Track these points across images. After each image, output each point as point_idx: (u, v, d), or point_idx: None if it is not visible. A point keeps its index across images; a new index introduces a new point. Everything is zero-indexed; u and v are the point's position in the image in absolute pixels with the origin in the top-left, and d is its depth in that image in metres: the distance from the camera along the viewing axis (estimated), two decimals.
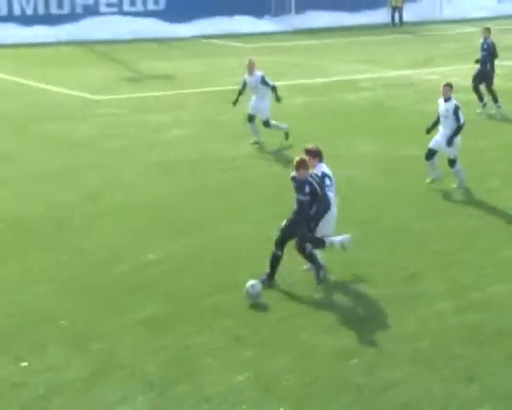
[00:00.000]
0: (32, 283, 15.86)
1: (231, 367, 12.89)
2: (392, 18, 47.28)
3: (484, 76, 29.08)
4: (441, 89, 20.80)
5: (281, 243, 15.84)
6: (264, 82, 25.11)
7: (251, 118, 25.11)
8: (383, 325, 14.56)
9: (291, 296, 15.52)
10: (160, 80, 33.51)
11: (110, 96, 30.68)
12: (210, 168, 22.56)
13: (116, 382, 12.70)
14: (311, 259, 15.85)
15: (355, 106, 28.96)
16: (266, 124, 25.24)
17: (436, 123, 21.02)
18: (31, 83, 32.04)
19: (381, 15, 47.65)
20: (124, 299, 15.39)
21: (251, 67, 25.23)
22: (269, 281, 15.70)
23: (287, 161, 22.56)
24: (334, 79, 31.42)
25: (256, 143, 25.03)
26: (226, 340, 13.75)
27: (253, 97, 25.35)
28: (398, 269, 16.73)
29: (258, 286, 15.08)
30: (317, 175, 15.87)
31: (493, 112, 28.71)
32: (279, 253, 15.78)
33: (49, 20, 43.15)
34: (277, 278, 15.87)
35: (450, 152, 20.55)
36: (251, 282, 15.03)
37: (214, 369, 12.86)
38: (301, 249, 15.75)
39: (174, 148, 24.62)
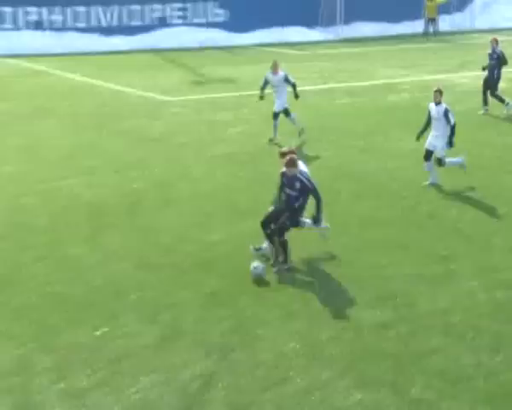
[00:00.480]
0: (107, 260, 15.95)
1: (282, 337, 12.94)
2: (427, 28, 46.89)
3: (490, 83, 28.63)
4: (433, 94, 20.43)
5: (267, 227, 15.83)
6: (287, 80, 25.15)
7: (276, 115, 25.06)
8: (418, 301, 14.51)
9: (337, 275, 15.44)
10: (223, 83, 33.60)
11: (178, 98, 30.78)
12: (266, 161, 22.48)
13: (181, 348, 12.77)
14: (284, 247, 15.62)
15: (395, 106, 28.83)
16: (287, 113, 25.34)
17: (425, 128, 20.65)
18: (110, 85, 32.19)
19: (419, 26, 47.29)
20: (189, 275, 15.46)
21: (275, 67, 25.19)
22: (286, 264, 15.64)
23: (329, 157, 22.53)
24: (377, 82, 31.26)
25: (271, 140, 24.86)
26: (279, 313, 13.78)
27: (275, 95, 25.46)
28: (432, 251, 16.62)
29: (260, 267, 15.08)
30: (304, 172, 15.84)
31: (505, 112, 28.17)
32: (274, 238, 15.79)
33: (125, 31, 43.31)
34: (326, 258, 15.87)
35: (441, 152, 20.19)
36: (254, 264, 15.08)
37: (267, 338, 12.93)
38: (279, 235, 15.60)
39: (234, 142, 24.65)
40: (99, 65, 36.67)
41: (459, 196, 20.02)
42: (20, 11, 41.75)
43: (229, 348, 12.41)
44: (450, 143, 20.23)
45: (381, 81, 32.49)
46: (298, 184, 15.59)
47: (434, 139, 20.38)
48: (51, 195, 19.09)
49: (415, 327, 13.53)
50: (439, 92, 20.23)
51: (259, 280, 14.88)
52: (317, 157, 22.99)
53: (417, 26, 47.27)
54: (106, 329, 13.36)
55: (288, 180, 15.69)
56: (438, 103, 20.10)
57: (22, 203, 19.14)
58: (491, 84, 28.51)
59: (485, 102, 28.62)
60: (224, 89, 32.66)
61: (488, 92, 28.56)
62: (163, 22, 44.47)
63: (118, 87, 30.67)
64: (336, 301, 14.48)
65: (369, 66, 33.19)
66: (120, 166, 21.98)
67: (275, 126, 25.09)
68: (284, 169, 15.74)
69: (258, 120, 27.00)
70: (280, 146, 20.30)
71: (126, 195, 19.42)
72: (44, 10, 42.23)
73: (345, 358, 12.46)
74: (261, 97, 25.83)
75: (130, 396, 11.45)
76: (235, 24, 44.44)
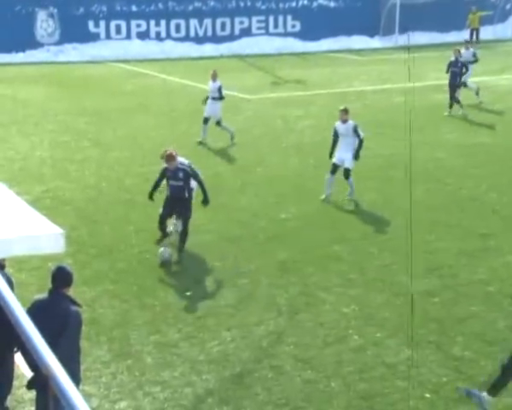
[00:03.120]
0: (194, 233, 15.92)
1: (342, 301, 12.87)
2: (471, 37, 46.17)
3: (454, 87, 27.50)
4: (339, 113, 18.54)
5: (163, 224, 15.11)
6: (220, 91, 23.35)
7: (205, 120, 23.58)
8: (460, 273, 14.35)
9: (390, 249, 15.27)
10: (295, 84, 33.48)
11: (257, 96, 30.74)
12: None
13: (254, 309, 12.77)
14: (185, 238, 15.01)
15: (442, 104, 28.34)
16: (218, 123, 23.70)
17: (334, 146, 18.47)
18: (200, 86, 32.27)
19: (465, 35, 46.57)
20: (263, 246, 15.44)
21: (214, 76, 23.68)
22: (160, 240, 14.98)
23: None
24: (427, 83, 30.81)
25: (201, 142, 23.34)
26: (339, 280, 13.69)
27: (209, 102, 23.71)
28: (473, 229, 16.36)
29: (167, 252, 14.31)
30: (184, 162, 15.13)
31: (459, 113, 27.04)
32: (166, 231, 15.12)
33: (215, 39, 43.46)
34: (380, 234, 15.73)
35: (351, 165, 18.27)
36: (160, 249, 14.30)
37: (328, 302, 12.88)
38: (185, 230, 15.00)
39: (304, 134, 24.56)
40: (192, 68, 36.79)
41: (497, 182, 19.64)
42: (132, 24, 42.34)
43: (295, 310, 12.39)
44: (357, 156, 18.33)
45: (431, 83, 32.03)
46: (181, 174, 14.88)
47: (343, 154, 18.17)
48: (148, 176, 19.18)
49: (456, 295, 13.38)
50: (344, 111, 18.37)
51: (166, 265, 14.18)
52: (373, 148, 22.72)
53: (463, 35, 46.53)
54: (193, 291, 13.44)
55: (171, 173, 14.89)
56: (344, 121, 18.16)
57: (126, 183, 19.29)
58: (454, 88, 27.54)
59: (458, 102, 27.48)
60: (296, 89, 32.55)
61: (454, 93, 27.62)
62: (248, 32, 44.58)
63: (206, 87, 30.83)
64: (389, 271, 14.33)
65: (420, 69, 32.67)
66: (205, 154, 22.05)
67: (204, 129, 23.52)
68: (165, 165, 14.99)
69: (325, 115, 26.78)
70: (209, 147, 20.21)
71: (210, 177, 19.38)
72: (151, 23, 42.71)
73: (395, 320, 12.35)
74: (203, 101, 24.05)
75: (213, 348, 11.50)
76: (307, 33, 44.39)
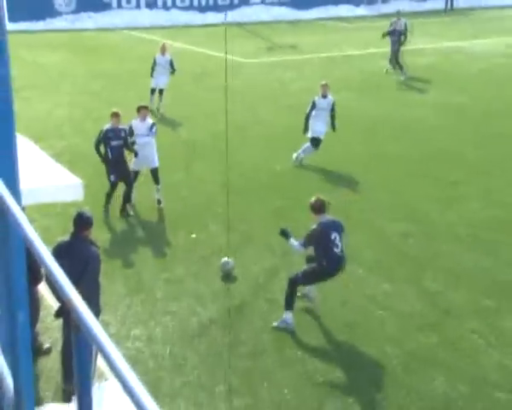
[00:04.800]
0: (199, 184, 16.12)
1: None
2: (446, 5, 45.74)
3: (395, 54, 27.38)
4: (320, 87, 17.63)
5: (114, 187, 14.60)
6: (171, 64, 21.92)
7: (153, 90, 22.38)
8: (433, 216, 14.53)
9: (370, 198, 15.47)
10: (289, 49, 33.32)
11: (254, 60, 30.69)
12: None
13: (252, 250, 13.00)
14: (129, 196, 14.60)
15: (422, 68, 28.35)
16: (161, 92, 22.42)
17: (308, 119, 17.57)
18: (203, 50, 32.26)
19: (441, 3, 46.20)
20: (260, 195, 15.62)
21: (163, 50, 22.36)
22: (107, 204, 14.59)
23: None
24: (409, 47, 30.75)
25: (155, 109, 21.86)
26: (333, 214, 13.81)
27: (158, 73, 22.23)
28: (444, 178, 16.54)
29: (229, 264, 12.05)
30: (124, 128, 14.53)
31: (401, 78, 26.88)
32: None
33: (216, 8, 43.16)
34: (361, 185, 15.87)
35: (323, 136, 17.60)
36: (224, 259, 12.05)
37: None
38: (131, 184, 14.56)
39: (298, 95, 24.52)
40: (196, 35, 36.68)
41: (469, 137, 19.80)
42: None
43: (288, 251, 12.30)
44: (334, 127, 17.54)
45: (412, 47, 31.96)
46: (123, 133, 14.33)
47: (321, 127, 17.42)
48: (161, 134, 19.37)
49: (429, 236, 13.59)
50: (326, 86, 17.67)
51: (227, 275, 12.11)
52: (359, 107, 22.84)
53: (439, 3, 46.21)
54: (198, 234, 13.66)
55: (113, 132, 14.22)
56: (325, 96, 17.43)
57: None
58: (395, 55, 27.30)
59: (401, 68, 27.20)
60: (289, 53, 32.44)
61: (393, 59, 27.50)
62: (246, 2, 44.29)
63: (209, 52, 30.67)
64: (369, 215, 14.54)
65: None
66: (209, 113, 22.09)
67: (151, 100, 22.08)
68: (107, 126, 14.32)
69: (316, 78, 26.74)
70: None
71: (213, 134, 19.55)
72: None
73: (376, 258, 12.60)
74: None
75: (216, 284, 11.75)
76: (299, 3, 44.15)
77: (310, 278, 10.62)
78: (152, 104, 21.61)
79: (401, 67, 27.04)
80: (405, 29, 28.29)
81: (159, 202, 14.92)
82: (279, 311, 10.75)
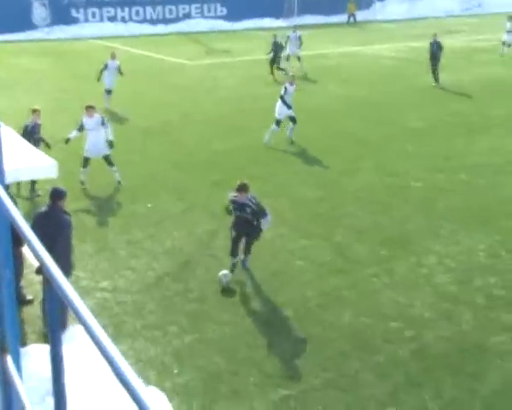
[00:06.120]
0: (152, 162, 15.76)
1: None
2: (348, 19, 45.59)
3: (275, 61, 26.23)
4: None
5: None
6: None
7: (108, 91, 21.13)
8: (341, 184, 14.48)
9: (289, 170, 15.36)
10: (223, 53, 32.73)
11: (196, 62, 30.10)
12: (249, 100, 22.23)
13: (197, 214, 12.77)
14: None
15: (328, 68, 28.30)
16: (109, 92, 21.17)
17: (284, 102, 17.10)
18: (154, 55, 31.59)
19: (344, 17, 46.06)
20: (202, 170, 15.36)
21: (113, 56, 21.15)
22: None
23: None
24: (314, 52, 30.67)
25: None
26: (256, 193, 13.53)
27: (108, 76, 20.96)
28: (346, 154, 16.47)
29: (227, 277, 10.05)
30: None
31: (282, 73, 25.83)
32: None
33: (164, 21, 42.29)
34: (281, 156, 15.74)
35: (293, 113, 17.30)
36: (223, 272, 10.09)
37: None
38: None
39: (230, 89, 24.27)
40: (148, 43, 35.84)
41: (361, 121, 19.84)
42: (104, 10, 41.06)
43: (225, 216, 12.26)
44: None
45: (318, 51, 31.90)
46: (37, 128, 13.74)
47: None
48: (119, 123, 18.91)
49: (338, 200, 13.54)
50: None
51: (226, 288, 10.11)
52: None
53: (343, 18, 46.13)
54: (152, 203, 13.36)
55: (33, 127, 13.60)
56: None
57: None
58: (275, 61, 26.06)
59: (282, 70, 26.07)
60: (224, 56, 31.96)
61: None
62: (188, 15, 43.46)
63: (158, 56, 30.15)
64: (288, 183, 14.42)
65: (312, 42, 32.47)
66: (160, 103, 21.70)
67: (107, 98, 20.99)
68: (28, 122, 13.68)
69: (246, 76, 26.57)
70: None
71: (163, 121, 19.20)
72: (118, 9, 41.43)
73: (295, 219, 12.50)
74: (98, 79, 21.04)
75: (168, 243, 11.51)
76: (232, 16, 43.58)
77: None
78: (107, 103, 20.81)
79: (282, 70, 26.10)
80: (286, 41, 27.49)
81: (119, 182, 14.31)
82: (220, 264, 10.61)
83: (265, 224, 10.34)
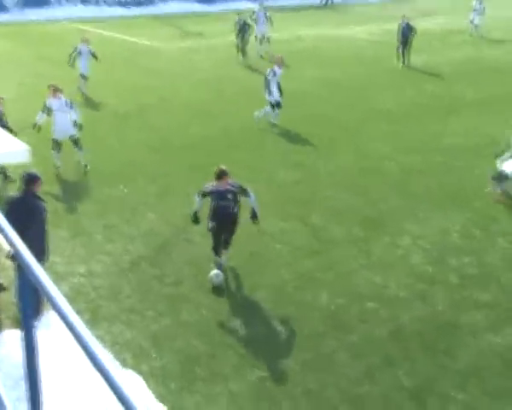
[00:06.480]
0: (128, 147, 15.69)
1: None
2: (326, 1, 45.33)
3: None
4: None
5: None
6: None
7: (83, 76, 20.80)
8: (318, 167, 14.50)
9: (267, 152, 15.36)
10: (198, 36, 32.40)
11: (171, 45, 29.81)
12: (226, 83, 22.13)
13: (172, 198, 12.77)
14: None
15: (303, 51, 28.19)
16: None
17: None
18: (125, 37, 31.25)
19: None
20: (178, 154, 15.32)
21: (85, 41, 20.83)
22: None
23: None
24: (290, 35, 30.57)
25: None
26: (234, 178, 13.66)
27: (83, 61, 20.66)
28: (322, 135, 16.51)
29: (219, 276, 9.64)
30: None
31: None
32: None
33: (139, 3, 41.83)
34: (266, 141, 15.71)
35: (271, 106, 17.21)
36: (214, 272, 9.68)
37: None
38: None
39: (206, 72, 24.11)
40: (121, 25, 35.42)
41: (337, 104, 19.88)
42: None
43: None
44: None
45: (291, 34, 31.63)
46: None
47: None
48: (95, 108, 18.73)
49: (315, 183, 13.59)
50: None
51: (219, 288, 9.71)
52: (256, 79, 22.60)
53: None
54: (128, 187, 13.29)
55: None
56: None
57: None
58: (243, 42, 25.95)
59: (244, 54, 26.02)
60: (198, 39, 31.69)
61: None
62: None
63: (132, 39, 29.87)
64: (266, 166, 14.42)
65: (287, 24, 32.37)
66: (135, 87, 21.50)
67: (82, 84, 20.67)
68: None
69: (223, 59, 26.40)
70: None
71: (139, 106, 19.07)
72: None
73: (273, 202, 12.48)
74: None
75: (145, 228, 11.49)
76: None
77: None
78: (83, 88, 20.57)
79: (244, 54, 26.05)
80: (252, 20, 27.04)
81: (85, 166, 14.14)
82: (197, 248, 10.62)
83: (254, 205, 9.95)
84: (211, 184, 9.81)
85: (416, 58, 25.05)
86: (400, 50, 24.98)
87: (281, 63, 17.70)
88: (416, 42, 25.33)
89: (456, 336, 8.50)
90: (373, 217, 11.96)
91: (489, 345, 8.34)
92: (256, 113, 17.32)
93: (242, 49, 26.32)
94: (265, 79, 17.48)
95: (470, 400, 7.38)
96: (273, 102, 17.30)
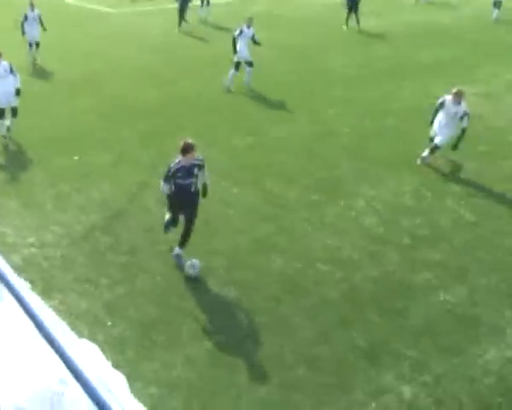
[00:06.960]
0: (79, 114, 15.35)
1: None
2: None
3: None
4: None
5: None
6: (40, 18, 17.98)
7: (30, 44, 19.91)
8: (270, 133, 14.46)
9: (225, 119, 15.23)
10: (147, 0, 31.70)
11: (120, 10, 29.15)
12: (176, 49, 21.79)
13: (125, 166, 12.58)
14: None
15: (256, 14, 27.81)
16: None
17: (234, 46, 17.03)
18: (76, 3, 30.38)
19: None
20: (129, 120, 15.08)
21: (32, 6, 19.63)
22: None
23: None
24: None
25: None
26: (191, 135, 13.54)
27: (30, 28, 19.66)
28: (281, 103, 16.47)
29: (197, 265, 8.99)
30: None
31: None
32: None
33: None
34: (221, 107, 15.56)
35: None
36: (189, 262, 8.95)
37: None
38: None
39: (156, 37, 23.66)
40: None
41: (290, 69, 19.80)
42: None
43: (155, 166, 11.98)
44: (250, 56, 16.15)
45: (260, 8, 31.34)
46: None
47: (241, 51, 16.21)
48: (45, 76, 18.20)
49: (268, 148, 13.57)
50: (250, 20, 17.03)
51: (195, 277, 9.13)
52: (209, 47, 22.29)
53: None
54: (80, 155, 13.03)
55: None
56: (248, 27, 16.45)
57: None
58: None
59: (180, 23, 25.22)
60: (148, 4, 30.93)
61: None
62: None
63: (80, 4, 29.16)
64: (219, 132, 14.32)
65: None
66: (85, 53, 21.00)
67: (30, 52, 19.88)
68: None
69: (173, 25, 25.94)
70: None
71: (89, 72, 18.65)
72: None
73: (226, 168, 12.45)
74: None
75: (97, 196, 11.30)
76: None
77: None
78: (30, 56, 19.81)
79: (185, 21, 25.40)
80: None
81: (8, 129, 13.71)
82: (150, 215, 10.53)
83: (208, 179, 9.43)
84: (175, 162, 8.88)
85: (369, 22, 25.08)
86: (348, 14, 25.22)
87: (250, 23, 17.52)
88: (368, 6, 25.34)
89: (408, 296, 8.68)
90: (327, 181, 12.04)
91: (440, 303, 8.55)
92: (223, 78, 17.13)
93: (180, 16, 25.47)
94: (232, 38, 17.33)
95: (421, 356, 7.58)
96: (237, 60, 17.13)
